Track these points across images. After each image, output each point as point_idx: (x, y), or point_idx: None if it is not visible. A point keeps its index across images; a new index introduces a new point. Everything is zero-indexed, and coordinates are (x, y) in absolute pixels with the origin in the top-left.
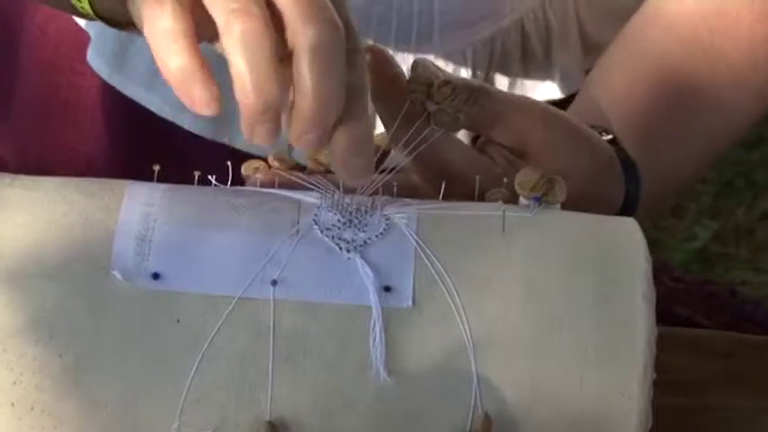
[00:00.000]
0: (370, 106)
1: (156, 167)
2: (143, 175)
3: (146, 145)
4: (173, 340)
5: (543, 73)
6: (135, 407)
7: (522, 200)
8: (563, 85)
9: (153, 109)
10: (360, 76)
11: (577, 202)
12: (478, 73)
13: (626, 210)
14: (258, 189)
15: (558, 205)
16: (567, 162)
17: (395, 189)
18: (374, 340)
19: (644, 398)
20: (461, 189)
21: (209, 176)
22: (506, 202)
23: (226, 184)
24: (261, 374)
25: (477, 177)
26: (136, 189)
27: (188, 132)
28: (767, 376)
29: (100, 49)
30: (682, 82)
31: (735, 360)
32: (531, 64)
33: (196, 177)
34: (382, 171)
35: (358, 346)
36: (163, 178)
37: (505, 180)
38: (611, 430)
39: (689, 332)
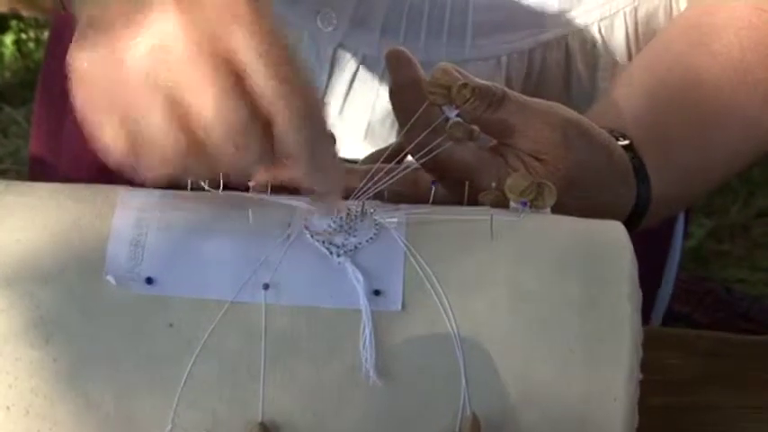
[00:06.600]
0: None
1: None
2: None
3: None
4: (166, 344)
5: (587, 100)
6: (129, 410)
7: (513, 203)
8: None
9: None
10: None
11: (589, 208)
12: (514, 86)
13: (635, 215)
14: (250, 195)
15: (548, 209)
16: (582, 170)
17: (385, 194)
18: (364, 343)
19: (630, 399)
20: (474, 189)
21: (202, 182)
22: (498, 204)
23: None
24: (253, 377)
25: (467, 183)
26: (129, 195)
27: None
28: (754, 376)
29: None
30: (707, 95)
31: (722, 360)
32: (575, 88)
33: (189, 183)
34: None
35: (348, 348)
36: None
37: (493, 184)
38: (597, 431)
39: (676, 332)
